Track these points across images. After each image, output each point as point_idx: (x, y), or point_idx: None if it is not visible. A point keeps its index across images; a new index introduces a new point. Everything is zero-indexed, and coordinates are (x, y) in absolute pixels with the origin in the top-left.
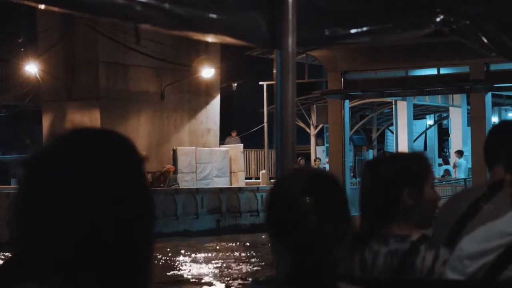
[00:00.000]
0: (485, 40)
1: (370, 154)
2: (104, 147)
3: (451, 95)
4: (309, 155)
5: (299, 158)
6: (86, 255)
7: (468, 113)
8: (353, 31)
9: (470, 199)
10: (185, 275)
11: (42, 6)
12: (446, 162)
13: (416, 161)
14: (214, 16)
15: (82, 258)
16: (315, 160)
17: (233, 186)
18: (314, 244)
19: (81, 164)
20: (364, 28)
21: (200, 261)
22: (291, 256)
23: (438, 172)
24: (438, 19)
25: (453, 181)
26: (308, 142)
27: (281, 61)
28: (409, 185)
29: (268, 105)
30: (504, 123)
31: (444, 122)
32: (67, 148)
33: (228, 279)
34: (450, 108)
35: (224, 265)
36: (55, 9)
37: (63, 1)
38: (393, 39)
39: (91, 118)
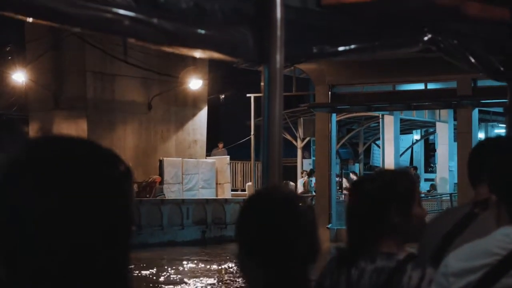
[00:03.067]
0: (472, 60)
1: (357, 168)
2: (82, 156)
3: (438, 110)
4: (295, 167)
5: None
6: (63, 266)
7: (454, 129)
8: (340, 48)
9: (455, 217)
10: (168, 285)
11: (30, 19)
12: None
13: (402, 178)
14: (202, 31)
15: (59, 269)
16: (302, 173)
17: (219, 197)
18: (289, 260)
19: (57, 174)
20: (352, 46)
21: (184, 271)
22: (265, 276)
23: (425, 186)
24: (426, 38)
25: (438, 196)
26: (295, 155)
27: (268, 77)
28: (395, 203)
29: (255, 117)
30: (487, 141)
31: (431, 137)
32: (44, 157)
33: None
34: (437, 123)
35: (208, 275)
36: (44, 22)
37: (52, 15)
38: (381, 56)
39: (78, 128)
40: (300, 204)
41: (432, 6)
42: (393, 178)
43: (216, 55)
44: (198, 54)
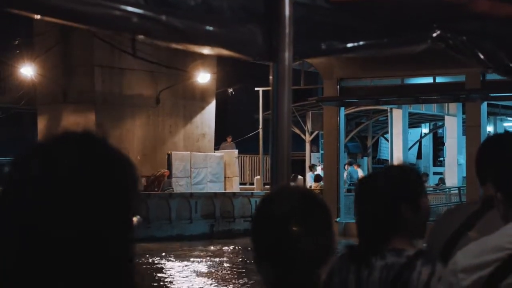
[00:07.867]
0: (482, 57)
1: (365, 162)
2: (84, 153)
3: (446, 104)
4: (304, 161)
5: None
6: (67, 259)
7: (463, 122)
8: (349, 45)
9: (464, 214)
10: (176, 280)
11: (38, 16)
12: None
13: (411, 173)
14: (211, 28)
15: (64, 261)
16: (310, 167)
17: (227, 191)
18: (297, 262)
19: (59, 173)
20: (361, 42)
21: (193, 265)
22: (275, 274)
23: (433, 180)
24: (434, 35)
25: (447, 190)
26: (303, 148)
27: (277, 74)
28: (407, 198)
29: (263, 111)
30: (494, 138)
31: (439, 131)
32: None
33: (220, 283)
34: (446, 117)
35: (217, 269)
36: (54, 20)
37: (61, 12)
38: (389, 53)
39: (86, 122)
40: (315, 204)
41: (441, 3)
42: (402, 174)
43: (225, 52)
44: (206, 51)
